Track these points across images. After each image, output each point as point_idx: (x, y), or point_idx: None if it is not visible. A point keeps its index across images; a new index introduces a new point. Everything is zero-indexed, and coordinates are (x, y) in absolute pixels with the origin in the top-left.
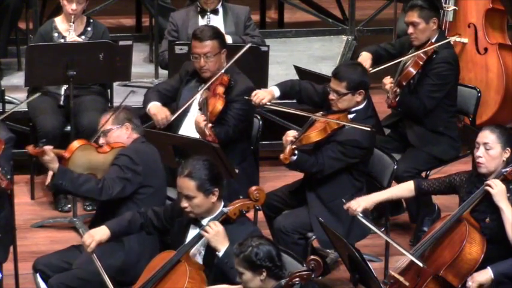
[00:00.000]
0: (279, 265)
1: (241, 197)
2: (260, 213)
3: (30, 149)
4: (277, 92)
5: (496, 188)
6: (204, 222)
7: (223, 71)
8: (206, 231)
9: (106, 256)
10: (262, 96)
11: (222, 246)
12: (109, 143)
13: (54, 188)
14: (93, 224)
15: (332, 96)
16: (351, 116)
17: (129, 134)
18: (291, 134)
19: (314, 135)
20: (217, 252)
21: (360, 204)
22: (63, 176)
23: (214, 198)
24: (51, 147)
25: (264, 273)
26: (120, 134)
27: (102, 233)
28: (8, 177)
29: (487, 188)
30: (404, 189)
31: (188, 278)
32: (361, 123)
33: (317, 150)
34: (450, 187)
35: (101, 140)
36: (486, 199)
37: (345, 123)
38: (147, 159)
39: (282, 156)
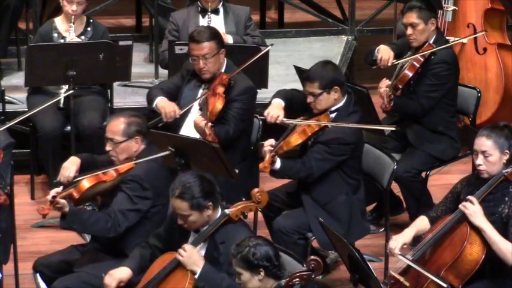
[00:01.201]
0: (277, 265)
1: (243, 199)
2: (260, 213)
3: (40, 210)
4: (283, 103)
5: (470, 209)
6: (203, 229)
7: (239, 69)
8: (180, 255)
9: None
10: (276, 113)
11: (197, 268)
12: (116, 166)
13: (65, 228)
14: (93, 239)
15: (309, 99)
16: (332, 115)
17: (138, 147)
18: (267, 143)
19: (294, 139)
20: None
21: (398, 241)
22: (74, 220)
23: (209, 212)
24: (58, 189)
25: (262, 273)
26: (129, 146)
27: (121, 271)
28: (6, 191)
29: (462, 208)
30: (424, 224)
31: (188, 279)
32: (344, 120)
33: (303, 155)
34: (454, 199)
35: (108, 147)
36: (486, 200)
37: (329, 123)
38: (155, 179)
39: (261, 165)
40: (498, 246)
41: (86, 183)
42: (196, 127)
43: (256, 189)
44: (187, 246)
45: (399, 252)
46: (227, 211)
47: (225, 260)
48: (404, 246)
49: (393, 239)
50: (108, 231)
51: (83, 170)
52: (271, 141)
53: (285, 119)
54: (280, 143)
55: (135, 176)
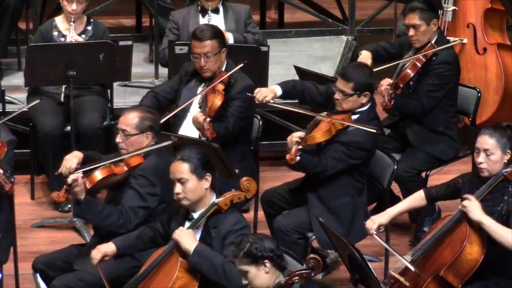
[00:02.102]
0: (280, 254)
1: (233, 190)
2: (260, 213)
3: (56, 198)
4: (279, 91)
5: (468, 206)
6: (196, 215)
7: (227, 75)
8: (176, 234)
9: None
10: (265, 93)
11: (191, 245)
12: (126, 160)
13: (77, 216)
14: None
15: (337, 96)
16: (354, 117)
17: (148, 143)
18: (296, 135)
19: (319, 135)
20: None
21: (374, 221)
22: (88, 209)
23: (207, 184)
24: (79, 174)
25: (268, 264)
26: (140, 140)
27: (107, 246)
28: (12, 180)
29: (462, 208)
30: (416, 199)
31: (179, 267)
32: (364, 124)
33: (320, 151)
34: (454, 190)
35: (118, 138)
36: (485, 200)
37: (350, 124)
38: (164, 176)
39: (288, 156)
40: (499, 234)
41: (99, 174)
42: (195, 122)
43: (244, 178)
44: (182, 227)
45: (375, 232)
46: (216, 200)
47: (217, 243)
48: (381, 228)
49: (370, 219)
50: (119, 227)
51: (84, 164)
52: (301, 134)
53: (271, 101)
54: (306, 136)
55: (144, 170)
